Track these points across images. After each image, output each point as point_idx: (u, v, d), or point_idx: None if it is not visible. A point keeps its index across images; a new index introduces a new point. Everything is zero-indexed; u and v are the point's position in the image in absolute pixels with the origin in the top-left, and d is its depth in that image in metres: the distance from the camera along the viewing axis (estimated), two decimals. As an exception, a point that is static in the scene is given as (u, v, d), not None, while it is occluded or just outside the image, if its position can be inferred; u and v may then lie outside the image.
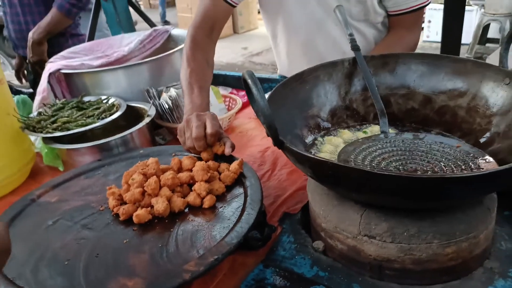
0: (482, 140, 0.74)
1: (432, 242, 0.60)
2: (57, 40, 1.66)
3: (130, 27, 1.56)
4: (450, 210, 0.62)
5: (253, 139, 1.11)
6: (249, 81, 0.56)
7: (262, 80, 1.39)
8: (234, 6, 1.13)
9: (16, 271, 0.58)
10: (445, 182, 0.51)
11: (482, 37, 5.37)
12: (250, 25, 8.11)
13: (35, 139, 1.09)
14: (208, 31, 1.08)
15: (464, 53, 5.00)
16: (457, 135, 0.78)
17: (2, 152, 0.94)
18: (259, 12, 8.22)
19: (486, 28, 5.39)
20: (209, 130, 0.79)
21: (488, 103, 0.75)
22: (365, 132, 0.84)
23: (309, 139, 0.81)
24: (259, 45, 6.70)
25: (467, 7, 5.73)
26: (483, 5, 5.48)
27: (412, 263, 0.62)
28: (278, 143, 0.60)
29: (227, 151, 0.80)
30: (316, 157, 0.56)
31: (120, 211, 0.68)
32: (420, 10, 1.11)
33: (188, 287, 0.63)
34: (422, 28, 6.07)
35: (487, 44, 5.47)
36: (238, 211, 0.67)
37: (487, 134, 0.74)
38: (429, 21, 5.72)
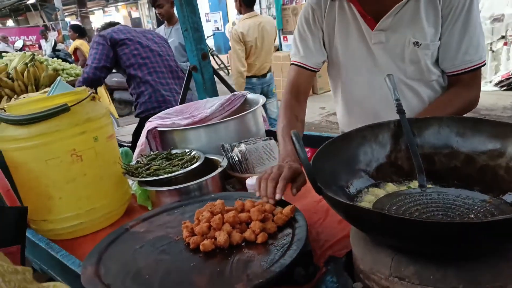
0: (518, 197, 0.78)
1: (457, 287, 0.65)
2: None
3: (214, 92, 1.83)
4: (477, 259, 0.67)
5: (307, 191, 1.23)
6: (294, 138, 0.71)
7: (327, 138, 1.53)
8: (316, 71, 1.36)
9: (111, 280, 0.76)
10: (457, 226, 0.58)
11: None
12: (328, 87, 8.37)
13: (132, 183, 1.34)
14: (295, 94, 1.32)
15: None
16: (496, 194, 0.82)
17: (108, 192, 1.18)
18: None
19: None
20: (283, 174, 0.97)
21: (526, 163, 0.80)
22: (409, 187, 0.92)
23: (352, 190, 0.91)
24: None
25: None
26: None
27: (440, 307, 0.67)
28: (316, 188, 0.72)
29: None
30: (345, 202, 0.67)
31: (190, 241, 0.84)
32: (478, 69, 1.19)
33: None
34: (512, 88, 5.72)
35: None
36: (285, 247, 0.79)
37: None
38: None
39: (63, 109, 1.07)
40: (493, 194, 0.82)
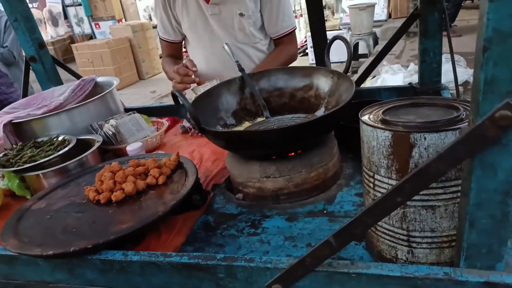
0: (322, 112, 1.20)
1: (301, 171, 1.01)
2: None
3: (58, 81, 1.82)
4: (309, 152, 1.04)
5: (181, 147, 1.47)
6: (177, 93, 0.94)
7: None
8: (180, 42, 1.79)
9: (40, 241, 0.86)
10: (296, 128, 0.93)
11: (355, 53, 6.41)
12: (155, 70, 8.45)
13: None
14: (170, 59, 1.84)
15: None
16: (311, 113, 1.23)
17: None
18: (161, 57, 8.58)
19: (356, 46, 6.45)
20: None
21: (324, 90, 1.22)
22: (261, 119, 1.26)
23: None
24: (166, 87, 7.05)
25: (338, 31, 6.75)
26: (349, 28, 6.57)
27: (294, 187, 1.02)
28: (201, 129, 0.97)
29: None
30: (225, 131, 0.94)
31: (100, 197, 0.98)
32: (292, 32, 1.67)
33: (159, 234, 0.95)
34: (307, 53, 6.96)
35: (360, 59, 6.54)
36: (183, 180, 1.02)
37: (323, 108, 1.20)
38: (312, 47, 6.63)
39: None
40: (310, 113, 1.22)
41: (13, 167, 1.21)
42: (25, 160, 1.22)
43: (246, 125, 1.23)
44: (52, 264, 0.85)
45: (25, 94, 1.74)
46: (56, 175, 1.23)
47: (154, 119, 1.70)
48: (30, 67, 1.74)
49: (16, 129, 1.47)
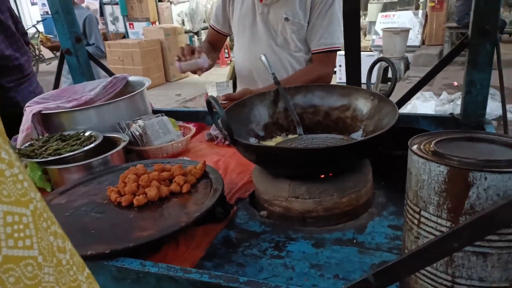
0: (360, 135, 1.14)
1: (333, 195, 0.96)
2: None
3: (91, 76, 1.83)
4: (342, 175, 0.98)
5: (206, 155, 1.43)
6: (213, 101, 0.90)
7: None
8: (225, 35, 1.83)
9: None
10: (330, 150, 0.88)
11: (384, 76, 6.33)
12: (181, 74, 8.53)
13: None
14: (209, 45, 1.87)
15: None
16: (346, 134, 1.18)
17: None
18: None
19: (386, 69, 6.37)
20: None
21: (362, 112, 1.17)
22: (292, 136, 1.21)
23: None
24: (191, 91, 7.10)
25: (369, 52, 6.70)
26: (381, 51, 6.49)
27: (324, 211, 0.96)
28: (233, 140, 0.93)
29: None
30: (258, 145, 0.90)
31: (122, 200, 0.95)
32: (330, 52, 1.59)
33: (176, 245, 0.91)
34: (335, 72, 6.93)
35: (389, 82, 6.44)
36: (208, 191, 0.98)
37: (361, 131, 1.14)
38: (340, 66, 6.58)
39: None
40: (345, 135, 1.17)
41: (37, 158, 1.19)
42: (49, 152, 1.21)
43: (277, 140, 1.18)
44: (66, 265, 0.81)
45: (56, 86, 1.75)
46: (79, 171, 1.20)
47: (181, 123, 1.68)
48: (64, 60, 1.75)
49: (44, 120, 1.47)
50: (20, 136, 1.39)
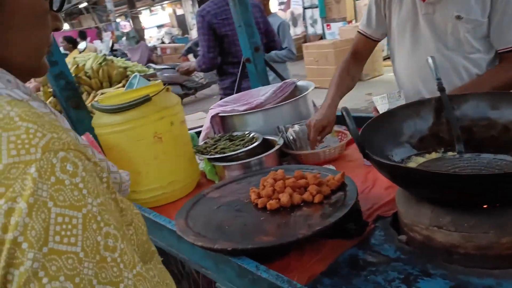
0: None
1: (489, 232, 0.77)
2: None
3: (266, 81, 2.00)
4: (503, 208, 0.78)
5: (357, 166, 1.37)
6: (344, 113, 0.86)
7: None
8: (376, 41, 1.62)
9: (199, 229, 0.96)
10: (483, 178, 0.71)
11: None
12: (375, 72, 8.28)
13: (199, 162, 1.55)
14: (354, 55, 1.66)
15: None
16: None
17: (183, 168, 1.39)
18: (384, 59, 8.28)
19: None
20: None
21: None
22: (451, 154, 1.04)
23: (396, 159, 1.04)
24: (382, 90, 6.78)
25: None
26: None
27: (474, 249, 0.79)
28: (364, 154, 0.87)
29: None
30: (389, 163, 0.81)
31: (258, 202, 1.02)
32: None
33: (302, 253, 0.92)
34: None
35: None
36: (339, 205, 0.95)
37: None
38: None
39: (146, 99, 1.29)
40: (525, 157, 0.92)
41: (207, 154, 1.40)
42: (217, 150, 1.40)
43: (431, 156, 1.03)
44: (203, 252, 0.94)
45: (238, 90, 1.99)
46: (238, 169, 1.35)
47: (341, 128, 1.65)
48: (245, 67, 1.97)
49: (223, 121, 1.70)
50: (202, 134, 1.65)
